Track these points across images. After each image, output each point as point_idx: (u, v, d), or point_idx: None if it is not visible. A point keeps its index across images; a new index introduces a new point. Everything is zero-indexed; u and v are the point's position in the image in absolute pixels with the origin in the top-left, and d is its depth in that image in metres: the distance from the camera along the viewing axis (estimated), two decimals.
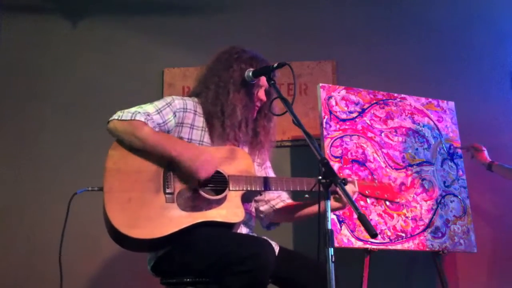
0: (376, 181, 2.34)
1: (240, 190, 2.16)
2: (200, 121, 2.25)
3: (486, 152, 3.24)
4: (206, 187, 2.15)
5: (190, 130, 2.22)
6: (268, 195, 2.40)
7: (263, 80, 2.26)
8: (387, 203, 3.12)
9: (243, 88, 2.25)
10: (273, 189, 2.25)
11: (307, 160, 3.56)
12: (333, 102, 3.25)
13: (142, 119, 2.09)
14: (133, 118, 2.08)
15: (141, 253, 2.26)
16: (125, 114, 2.10)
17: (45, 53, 4.02)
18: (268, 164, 2.46)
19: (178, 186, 2.11)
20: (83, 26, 4.06)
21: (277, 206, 2.39)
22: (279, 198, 2.40)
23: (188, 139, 2.21)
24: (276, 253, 2.15)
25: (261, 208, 2.41)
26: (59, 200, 2.51)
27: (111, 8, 4.07)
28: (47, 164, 3.80)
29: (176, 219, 2.05)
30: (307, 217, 2.35)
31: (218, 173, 2.16)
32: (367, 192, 2.32)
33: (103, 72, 3.94)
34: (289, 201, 2.42)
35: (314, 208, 2.29)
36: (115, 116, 2.11)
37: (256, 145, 2.34)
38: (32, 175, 3.79)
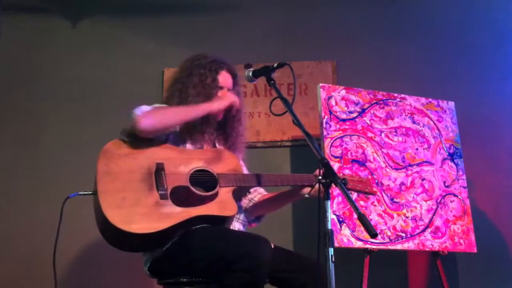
0: (357, 176, 2.41)
1: (230, 187, 2.22)
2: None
3: None
4: (196, 185, 2.18)
5: (175, 133, 2.31)
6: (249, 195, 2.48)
7: (226, 81, 2.39)
8: (387, 201, 3.12)
9: (203, 92, 2.34)
10: (262, 185, 2.32)
11: (307, 160, 3.56)
12: (333, 102, 3.25)
13: (138, 114, 2.14)
14: (136, 117, 2.14)
15: (136, 256, 2.27)
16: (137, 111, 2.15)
17: (45, 53, 4.02)
18: (241, 163, 2.51)
19: (170, 184, 2.14)
20: (83, 26, 4.06)
21: (256, 199, 2.46)
22: (256, 192, 2.48)
23: (173, 141, 2.29)
24: None
25: (242, 204, 2.46)
26: (59, 201, 2.50)
27: (111, 8, 4.07)
28: (47, 164, 3.80)
29: (172, 214, 2.09)
30: (284, 205, 2.50)
31: (207, 172, 2.22)
32: (348, 186, 2.33)
33: (103, 72, 3.94)
34: (265, 193, 2.50)
35: (290, 197, 2.43)
36: (137, 113, 2.14)
37: (230, 147, 2.42)
38: (33, 175, 3.79)
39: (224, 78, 2.41)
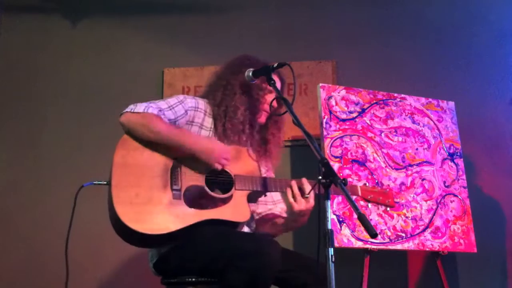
0: (378, 187, 2.36)
1: (245, 190, 2.17)
2: (209, 121, 2.27)
3: None
4: (212, 185, 2.15)
5: (199, 130, 2.25)
6: (262, 208, 2.39)
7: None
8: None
9: (251, 92, 2.27)
10: (278, 190, 2.25)
11: (307, 160, 3.56)
12: (333, 102, 3.25)
13: (155, 112, 2.11)
14: (146, 111, 2.11)
15: (144, 250, 2.27)
16: (138, 107, 2.13)
17: (45, 53, 4.02)
18: (271, 173, 2.45)
19: (185, 183, 2.11)
20: (83, 26, 4.06)
21: (263, 214, 2.40)
22: (270, 211, 2.40)
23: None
24: None
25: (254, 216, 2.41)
26: (59, 201, 2.51)
27: (111, 8, 4.07)
28: (48, 163, 3.81)
29: (183, 215, 2.06)
30: (284, 230, 2.37)
31: (224, 172, 2.17)
32: (369, 197, 2.33)
33: (103, 72, 3.94)
34: (276, 213, 2.40)
35: (291, 224, 2.29)
36: (127, 109, 2.14)
37: (264, 153, 2.35)
38: (34, 175, 3.80)
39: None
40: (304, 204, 2.12)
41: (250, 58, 2.34)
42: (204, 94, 2.37)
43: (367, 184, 2.38)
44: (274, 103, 2.30)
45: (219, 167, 2.13)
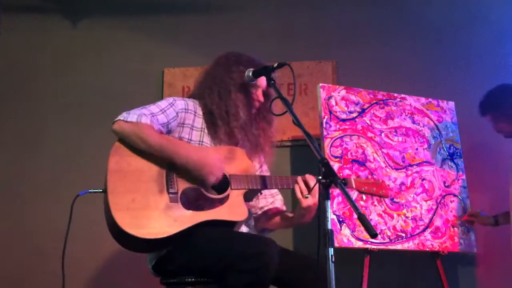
0: (371, 178, 2.37)
1: (241, 189, 2.18)
2: (199, 122, 2.27)
3: (481, 212, 3.19)
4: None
5: (190, 131, 2.25)
6: (262, 202, 2.41)
7: (260, 81, 2.28)
8: (387, 201, 3.12)
9: (243, 89, 2.28)
10: (274, 187, 2.27)
11: (307, 160, 3.56)
12: (333, 102, 3.25)
13: (148, 121, 2.11)
14: (139, 120, 2.10)
15: (142, 253, 2.26)
16: (131, 115, 2.11)
17: (45, 53, 4.02)
18: (265, 167, 2.46)
19: (181, 185, 2.11)
20: (83, 26, 4.06)
21: (265, 208, 2.41)
22: (272, 205, 2.42)
23: (188, 139, 2.23)
24: None
25: (252, 211, 2.42)
26: (59, 202, 2.51)
27: (111, 8, 4.07)
28: (47, 164, 3.80)
29: (180, 218, 2.06)
30: (287, 226, 2.39)
31: None
32: (363, 189, 2.32)
33: (103, 72, 3.94)
34: (279, 207, 2.41)
35: (299, 220, 2.29)
36: (120, 117, 2.12)
37: (256, 147, 2.34)
38: (33, 175, 3.79)
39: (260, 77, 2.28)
40: (311, 200, 2.14)
41: (235, 54, 2.35)
42: (197, 92, 2.36)
43: (360, 176, 2.39)
44: (261, 98, 2.31)
45: (210, 182, 2.11)
